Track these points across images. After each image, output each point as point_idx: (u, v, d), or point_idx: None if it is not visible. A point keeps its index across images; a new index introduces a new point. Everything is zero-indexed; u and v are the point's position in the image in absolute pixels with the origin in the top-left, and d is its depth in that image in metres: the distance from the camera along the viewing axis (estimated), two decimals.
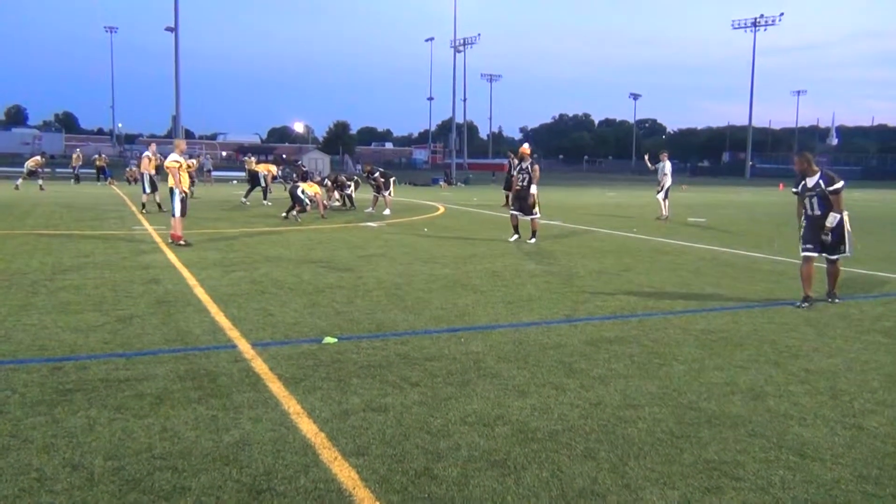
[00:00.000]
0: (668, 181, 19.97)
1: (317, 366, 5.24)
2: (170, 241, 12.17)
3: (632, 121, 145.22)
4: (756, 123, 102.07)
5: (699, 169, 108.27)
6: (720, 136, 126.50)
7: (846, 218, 7.84)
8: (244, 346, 5.73)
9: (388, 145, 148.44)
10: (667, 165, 20.11)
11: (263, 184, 23.85)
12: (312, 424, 4.10)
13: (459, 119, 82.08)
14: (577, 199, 33.12)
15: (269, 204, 23.01)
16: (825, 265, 8.16)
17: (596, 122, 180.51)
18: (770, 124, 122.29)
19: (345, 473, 3.49)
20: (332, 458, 3.66)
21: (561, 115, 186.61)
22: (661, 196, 20.06)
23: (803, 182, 7.93)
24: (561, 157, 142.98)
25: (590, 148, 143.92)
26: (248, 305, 7.29)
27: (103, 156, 45.16)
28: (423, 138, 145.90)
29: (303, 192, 17.92)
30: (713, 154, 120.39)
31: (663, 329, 6.61)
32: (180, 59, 51.53)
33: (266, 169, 24.62)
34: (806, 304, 7.73)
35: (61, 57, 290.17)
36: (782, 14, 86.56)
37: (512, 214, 14.23)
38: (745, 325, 6.85)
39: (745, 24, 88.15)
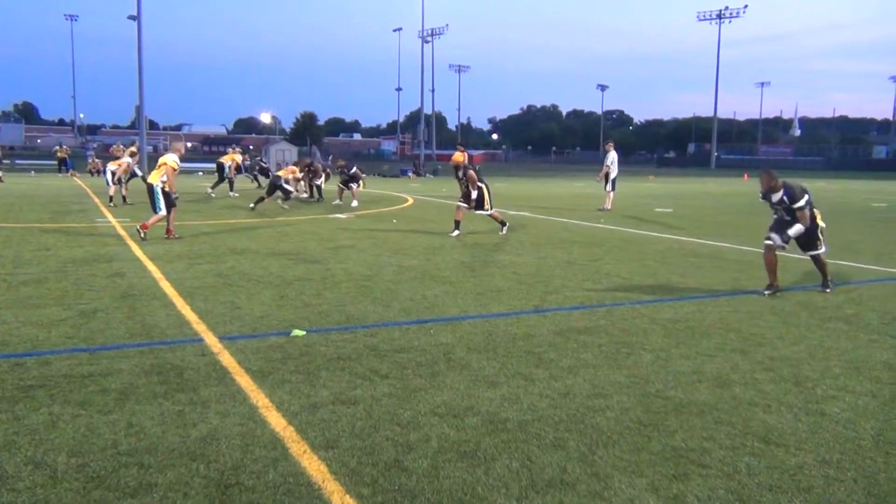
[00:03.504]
0: (613, 171, 19.82)
1: (285, 359, 5.20)
2: (165, 236, 11.89)
3: (599, 112, 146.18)
4: (721, 115, 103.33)
5: (665, 160, 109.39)
6: (686, 128, 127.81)
7: (819, 219, 8.11)
8: (211, 340, 5.66)
9: (357, 136, 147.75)
10: (610, 155, 20.08)
11: (228, 174, 23.59)
12: (281, 418, 4.07)
13: (428, 110, 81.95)
14: (545, 189, 33.27)
15: (236, 195, 22.79)
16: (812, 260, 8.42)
17: (564, 113, 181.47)
18: (735, 115, 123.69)
19: (314, 467, 3.47)
20: (301, 451, 3.64)
21: (529, 107, 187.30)
22: (608, 188, 19.88)
23: (769, 197, 8.10)
24: (529, 148, 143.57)
25: (558, 139, 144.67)
26: (214, 298, 7.21)
27: (65, 147, 44.30)
28: (391, 129, 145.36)
29: (286, 181, 17.94)
30: (679, 145, 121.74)
31: (631, 318, 6.67)
32: (143, 48, 50.52)
33: (230, 159, 24.25)
34: (769, 291, 7.90)
35: (20, 45, 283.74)
36: (746, 6, 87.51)
37: (459, 207, 13.49)
38: (711, 313, 6.94)
39: (711, 15, 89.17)
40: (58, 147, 43.81)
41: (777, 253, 7.99)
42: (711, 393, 4.65)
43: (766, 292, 7.89)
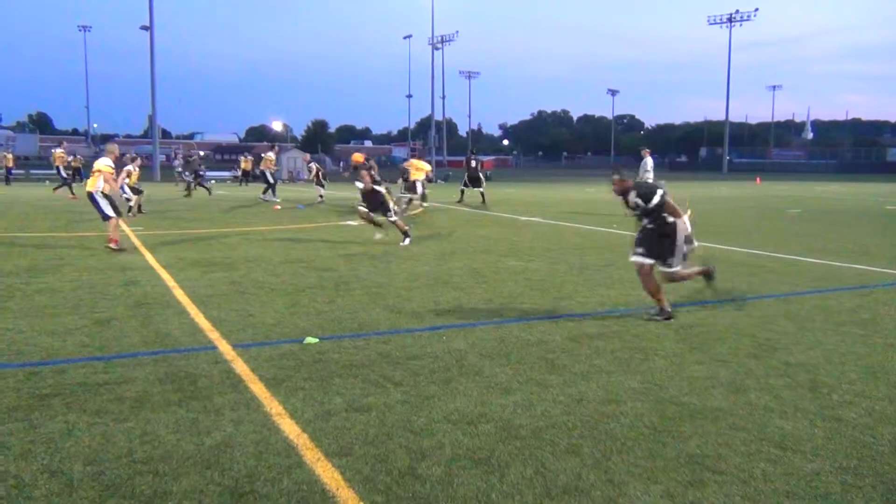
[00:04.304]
0: (650, 177, 19.99)
1: (298, 366, 5.21)
2: (107, 245, 11.32)
3: (610, 117, 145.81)
4: (733, 118, 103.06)
5: (677, 164, 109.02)
6: (697, 131, 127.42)
7: (686, 224, 6.90)
8: (225, 348, 5.68)
9: (368, 143, 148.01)
10: (648, 161, 20.14)
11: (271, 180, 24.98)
12: (295, 425, 4.08)
13: (438, 117, 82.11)
14: (556, 195, 33.21)
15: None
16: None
17: (574, 118, 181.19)
18: (746, 119, 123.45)
19: (328, 474, 3.47)
20: (315, 458, 3.64)
21: (540, 112, 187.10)
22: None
23: (626, 201, 6.99)
24: (540, 153, 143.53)
25: (569, 144, 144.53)
26: (228, 306, 7.23)
27: (79, 157, 44.57)
28: (402, 136, 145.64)
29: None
30: (691, 149, 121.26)
31: (644, 324, 6.64)
32: (156, 58, 50.96)
33: (267, 164, 25.97)
34: (660, 317, 6.73)
35: (34, 57, 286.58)
36: (757, 9, 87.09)
37: (363, 211, 13.04)
38: (725, 319, 6.90)
39: (721, 19, 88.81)
40: (72, 157, 44.10)
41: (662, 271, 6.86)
42: (726, 399, 4.62)
43: (655, 317, 6.76)
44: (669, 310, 6.80)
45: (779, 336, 6.24)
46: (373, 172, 13.20)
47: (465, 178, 24.68)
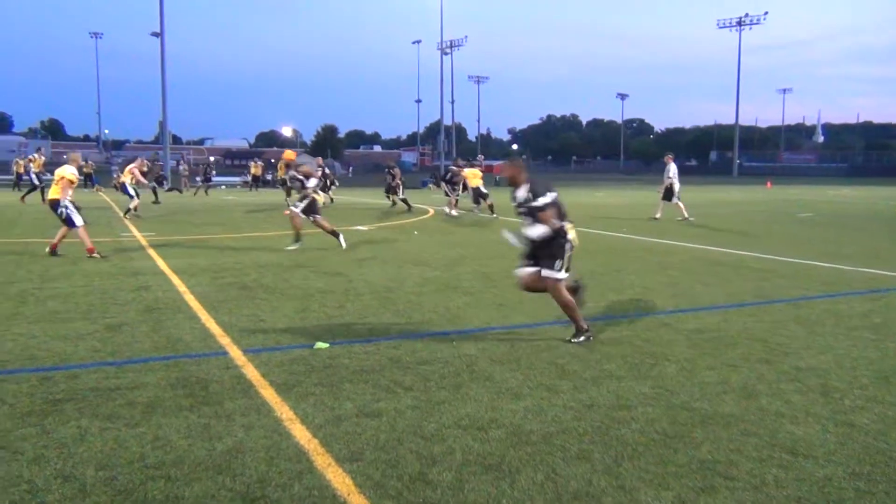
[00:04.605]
0: (676, 183, 19.93)
1: (309, 371, 5.23)
2: (90, 255, 11.06)
3: (619, 121, 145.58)
4: (743, 122, 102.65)
5: (687, 168, 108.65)
6: (707, 135, 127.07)
7: (571, 234, 6.28)
8: (235, 353, 5.70)
9: (377, 148, 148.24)
10: (671, 167, 20.12)
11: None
12: (305, 431, 4.09)
13: (447, 121, 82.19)
14: (566, 199, 33.15)
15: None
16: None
17: (584, 122, 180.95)
18: (757, 122, 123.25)
19: (339, 479, 3.47)
20: (325, 464, 3.65)
21: (549, 116, 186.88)
22: (674, 199, 19.96)
23: (514, 195, 6.34)
24: (549, 157, 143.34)
25: (578, 148, 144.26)
26: (238, 311, 7.26)
27: (90, 162, 44.91)
28: (411, 141, 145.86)
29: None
30: (701, 153, 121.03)
31: (654, 329, 6.63)
32: (166, 64, 51.26)
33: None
34: (579, 338, 6.09)
35: (46, 63, 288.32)
36: (766, 13, 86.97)
37: (297, 217, 12.55)
38: (736, 323, 6.87)
39: (731, 23, 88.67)
40: (84, 163, 44.45)
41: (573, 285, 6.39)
42: (737, 404, 4.60)
43: (573, 340, 6.09)
44: (585, 326, 6.15)
45: (790, 341, 6.21)
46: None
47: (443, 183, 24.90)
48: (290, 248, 12.33)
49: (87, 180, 40.29)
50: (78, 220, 11.37)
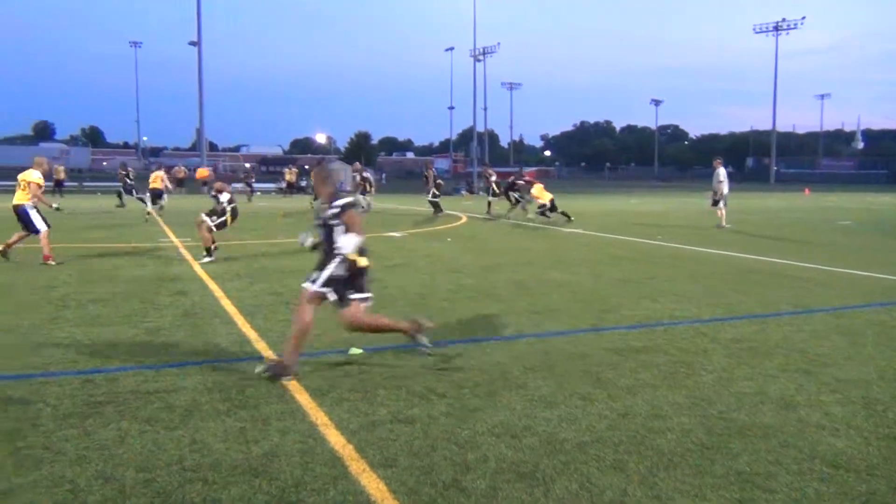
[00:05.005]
0: (724, 188, 19.73)
1: (343, 377, 5.26)
2: (44, 262, 10.93)
3: (653, 127, 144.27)
4: (780, 128, 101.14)
5: None
6: (743, 141, 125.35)
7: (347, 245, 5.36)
8: (271, 358, 5.76)
9: (410, 155, 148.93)
10: (720, 172, 19.93)
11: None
12: (340, 436, 4.11)
13: (480, 128, 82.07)
14: (599, 206, 33.00)
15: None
16: None
17: (617, 128, 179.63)
18: (794, 128, 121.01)
19: (373, 485, 3.49)
20: (360, 469, 3.67)
21: (582, 123, 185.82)
22: (720, 204, 19.78)
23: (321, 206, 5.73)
24: (583, 164, 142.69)
25: (611, 155, 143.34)
26: (273, 317, 7.34)
27: (130, 169, 45.73)
28: (444, 147, 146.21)
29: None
30: (737, 159, 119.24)
31: (690, 338, 6.55)
32: (203, 72, 52.12)
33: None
34: (426, 349, 5.61)
35: (87, 72, 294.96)
36: (804, 18, 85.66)
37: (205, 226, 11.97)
38: (774, 333, 6.77)
39: (767, 28, 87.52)
40: (179, 166, 45.29)
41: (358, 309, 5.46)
42: (776, 415, 4.53)
43: (264, 373, 5.20)
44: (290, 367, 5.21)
45: (830, 351, 6.10)
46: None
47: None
48: (203, 260, 11.56)
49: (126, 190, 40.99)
50: (40, 224, 11.31)
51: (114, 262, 11.39)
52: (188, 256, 12.28)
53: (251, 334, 6.56)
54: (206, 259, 11.57)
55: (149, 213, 20.58)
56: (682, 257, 12.83)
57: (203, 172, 13.12)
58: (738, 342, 6.38)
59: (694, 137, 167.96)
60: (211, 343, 6.26)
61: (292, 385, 5.03)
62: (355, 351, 5.94)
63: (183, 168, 48.66)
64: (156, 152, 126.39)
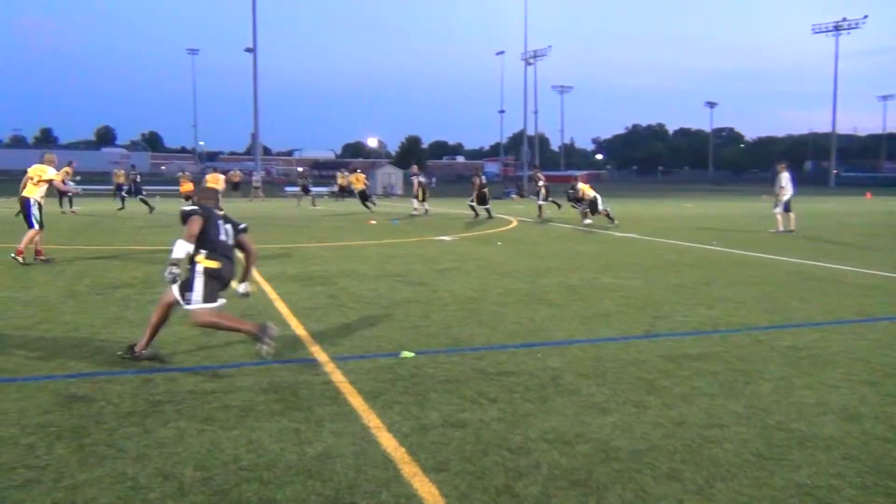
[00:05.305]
0: (786, 193, 19.31)
1: (395, 380, 5.29)
2: (33, 258, 11.26)
3: (708, 130, 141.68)
4: (840, 130, 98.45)
5: None
6: (802, 144, 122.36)
7: (184, 248, 5.61)
8: (324, 360, 5.83)
9: (460, 159, 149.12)
10: (783, 177, 19.50)
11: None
12: (392, 439, 4.14)
13: (531, 131, 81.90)
14: (652, 210, 32.54)
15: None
16: None
17: (671, 131, 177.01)
18: (855, 131, 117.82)
19: (426, 489, 3.50)
20: (412, 473, 3.68)
21: (634, 126, 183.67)
22: (777, 210, 19.39)
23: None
24: (635, 168, 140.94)
25: (664, 158, 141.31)
26: (326, 319, 7.42)
27: (187, 173, 46.87)
28: (494, 151, 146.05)
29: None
30: (795, 163, 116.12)
31: (748, 345, 6.41)
32: (258, 78, 53.10)
33: (356, 180, 30.00)
34: (266, 344, 5.59)
35: (147, 79, 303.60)
36: (866, 17, 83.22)
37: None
38: (835, 341, 6.57)
39: (827, 28, 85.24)
40: (180, 173, 46.45)
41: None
42: (838, 426, 4.39)
43: (125, 354, 5.74)
44: (143, 352, 5.70)
45: (895, 361, 5.89)
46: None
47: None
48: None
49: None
50: (35, 224, 11.42)
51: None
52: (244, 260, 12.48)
53: (305, 336, 6.65)
54: None
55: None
56: (738, 263, 12.56)
57: (187, 187, 12.99)
58: (797, 350, 6.22)
59: (750, 140, 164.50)
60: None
61: (345, 387, 5.08)
62: (407, 354, 5.97)
63: (238, 172, 49.75)
64: (212, 156, 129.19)
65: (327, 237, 17.39)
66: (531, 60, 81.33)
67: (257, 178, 48.63)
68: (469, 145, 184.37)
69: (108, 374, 5.41)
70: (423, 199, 26.92)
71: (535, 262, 12.49)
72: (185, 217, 5.77)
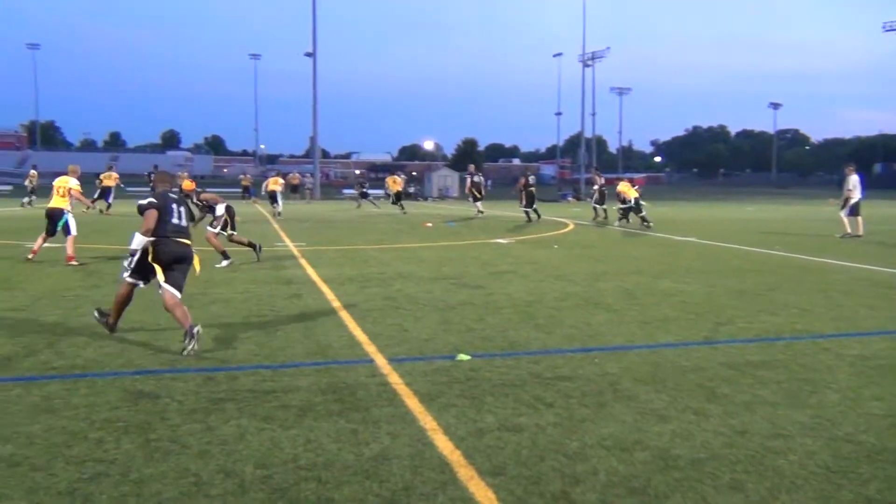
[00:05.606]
0: (854, 196, 18.74)
1: (451, 382, 5.30)
2: (66, 263, 11.58)
3: (771, 131, 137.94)
4: None
5: None
6: (871, 146, 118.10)
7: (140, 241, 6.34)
8: (381, 361, 5.88)
9: (516, 161, 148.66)
10: (851, 179, 18.94)
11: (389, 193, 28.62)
12: (448, 441, 4.14)
13: (588, 134, 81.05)
14: (713, 214, 31.86)
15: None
16: None
17: (733, 133, 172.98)
18: None
19: (482, 493, 3.49)
20: (468, 476, 3.68)
21: (695, 128, 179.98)
22: (844, 213, 18.85)
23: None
24: (695, 170, 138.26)
25: (726, 161, 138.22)
26: (383, 321, 7.49)
27: (248, 176, 47.94)
28: (550, 154, 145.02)
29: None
30: (863, 165, 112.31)
31: (813, 354, 6.22)
32: (318, 82, 53.88)
33: (393, 182, 31.71)
34: (100, 319, 6.71)
35: (211, 84, 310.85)
36: None
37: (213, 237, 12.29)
38: None
39: None
40: (242, 176, 47.54)
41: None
42: None
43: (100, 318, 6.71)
44: (110, 321, 6.68)
45: None
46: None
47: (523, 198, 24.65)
48: (220, 265, 11.60)
49: (245, 192, 42.98)
50: (74, 229, 12.09)
51: (235, 266, 11.92)
52: (302, 260, 12.71)
53: (362, 337, 6.72)
54: (224, 263, 11.70)
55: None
56: (803, 268, 12.20)
57: (188, 185, 13.43)
58: (865, 360, 6.00)
59: (816, 142, 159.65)
60: (324, 345, 6.45)
61: (401, 389, 5.12)
62: (463, 357, 5.98)
63: (297, 175, 50.60)
64: (272, 159, 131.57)
65: (384, 239, 17.53)
66: (589, 62, 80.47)
67: (310, 179, 49.84)
68: (525, 148, 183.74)
69: (173, 371, 5.57)
70: (478, 199, 26.94)
71: (592, 265, 12.37)
72: (142, 211, 6.44)
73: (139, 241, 6.32)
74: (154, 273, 6.36)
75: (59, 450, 3.97)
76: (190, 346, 5.95)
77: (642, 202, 22.58)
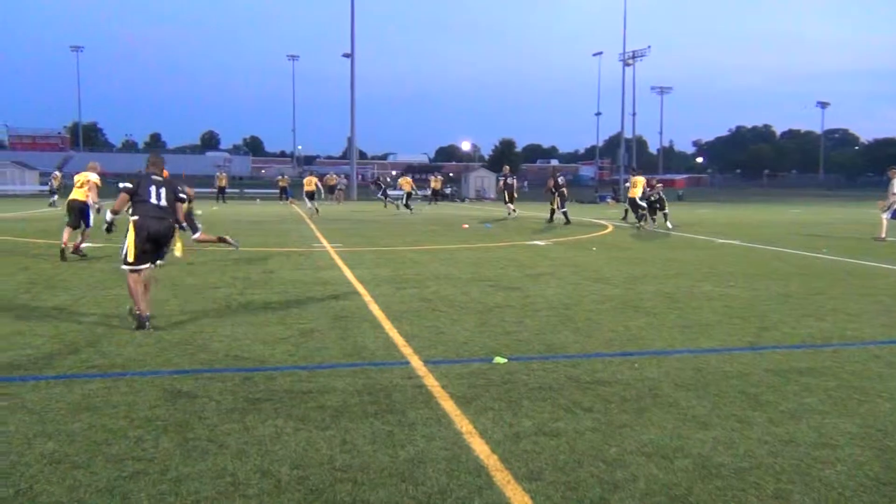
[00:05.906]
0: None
1: (487, 385, 5.25)
2: (72, 251, 12.50)
3: (818, 131, 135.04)
4: None
5: None
6: None
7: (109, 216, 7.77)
8: (417, 363, 5.85)
9: (554, 162, 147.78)
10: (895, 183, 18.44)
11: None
12: (485, 445, 4.10)
13: (628, 134, 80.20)
14: (757, 216, 31.27)
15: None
16: None
17: (778, 133, 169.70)
18: None
19: (518, 498, 3.44)
20: (505, 480, 3.63)
21: (738, 128, 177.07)
22: (886, 215, 18.34)
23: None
24: (738, 171, 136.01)
25: (771, 161, 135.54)
26: (419, 322, 7.46)
27: (286, 176, 48.40)
28: (589, 154, 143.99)
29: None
30: None
31: (863, 361, 6.03)
32: (355, 83, 54.23)
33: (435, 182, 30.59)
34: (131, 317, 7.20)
35: (250, 85, 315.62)
36: None
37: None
38: None
39: None
40: (279, 177, 47.98)
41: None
42: None
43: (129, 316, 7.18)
44: (135, 311, 7.04)
45: None
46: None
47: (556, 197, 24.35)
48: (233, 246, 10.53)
49: (283, 193, 43.41)
50: (92, 222, 12.88)
51: (271, 265, 12.04)
52: (339, 261, 12.77)
53: (398, 339, 6.70)
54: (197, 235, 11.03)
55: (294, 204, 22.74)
56: (851, 272, 11.88)
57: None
58: None
59: (865, 142, 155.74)
60: (360, 346, 6.45)
61: (437, 391, 5.08)
62: (499, 360, 5.92)
63: (334, 176, 51.01)
64: (310, 160, 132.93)
65: (420, 240, 17.54)
66: (629, 61, 79.70)
67: (343, 181, 50.39)
68: (564, 148, 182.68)
69: (211, 371, 5.61)
70: (510, 201, 26.88)
71: (631, 268, 12.20)
72: (118, 192, 7.20)
73: (109, 214, 7.65)
74: (151, 258, 7.14)
75: (100, 448, 4.02)
76: (131, 319, 6.94)
77: (642, 202, 22.14)
